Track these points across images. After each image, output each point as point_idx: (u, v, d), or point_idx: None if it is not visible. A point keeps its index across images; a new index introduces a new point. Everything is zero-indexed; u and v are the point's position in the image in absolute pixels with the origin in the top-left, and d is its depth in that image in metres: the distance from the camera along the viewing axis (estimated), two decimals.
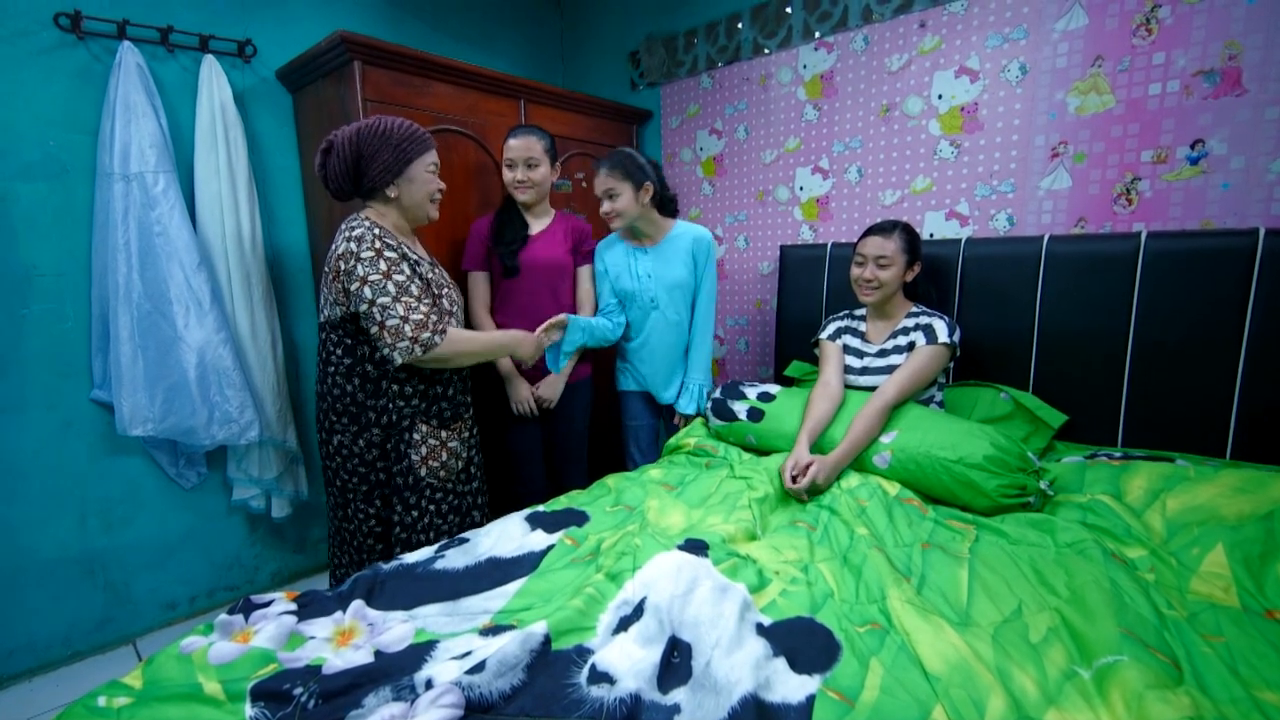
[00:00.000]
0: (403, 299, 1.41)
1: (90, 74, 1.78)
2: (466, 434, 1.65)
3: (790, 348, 2.26)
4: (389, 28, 2.39)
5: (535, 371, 1.95)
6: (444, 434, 1.58)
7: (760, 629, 0.97)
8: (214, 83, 1.92)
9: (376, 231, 1.44)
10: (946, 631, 0.95)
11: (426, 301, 1.45)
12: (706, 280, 2.01)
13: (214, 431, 1.88)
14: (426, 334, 1.41)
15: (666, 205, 2.04)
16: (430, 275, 1.55)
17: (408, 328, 1.40)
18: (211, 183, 1.93)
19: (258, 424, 1.96)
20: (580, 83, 3.01)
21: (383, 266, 1.40)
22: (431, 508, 1.58)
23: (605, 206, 1.88)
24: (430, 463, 1.55)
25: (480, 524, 1.75)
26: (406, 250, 1.49)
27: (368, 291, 1.39)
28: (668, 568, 1.04)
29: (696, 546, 1.16)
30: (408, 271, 1.44)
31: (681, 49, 2.58)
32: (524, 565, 1.19)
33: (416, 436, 1.53)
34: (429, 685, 0.82)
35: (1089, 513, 1.29)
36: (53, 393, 1.80)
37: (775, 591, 1.08)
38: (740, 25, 2.39)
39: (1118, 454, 1.52)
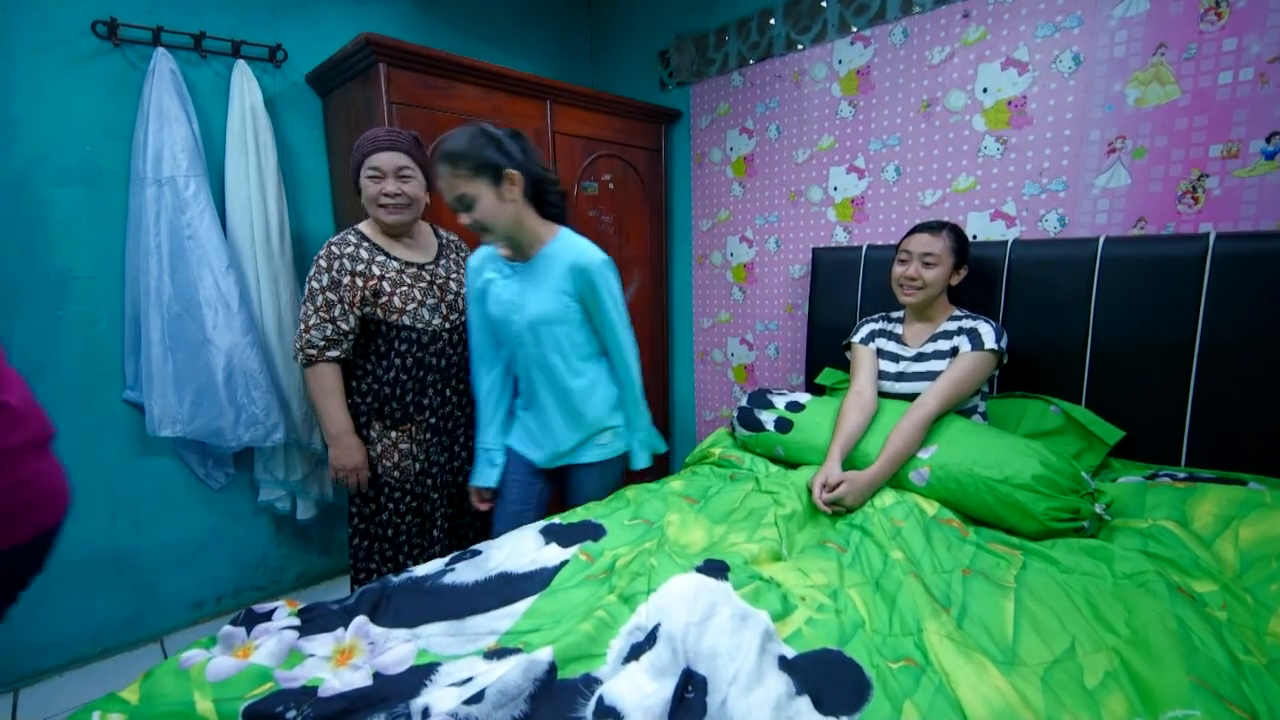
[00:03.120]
0: (305, 304, 1.54)
1: (126, 80, 1.81)
2: (422, 437, 1.66)
3: (822, 354, 2.17)
4: (418, 30, 2.38)
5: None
6: (394, 434, 1.63)
7: (783, 662, 0.90)
8: (245, 87, 1.93)
9: (340, 237, 1.57)
10: (990, 671, 0.87)
11: (322, 317, 1.51)
12: (607, 317, 1.45)
13: (240, 433, 1.89)
14: (296, 346, 1.54)
15: (548, 203, 1.44)
16: (387, 276, 1.55)
17: (296, 331, 1.55)
18: (241, 186, 1.94)
19: (283, 426, 1.97)
20: (610, 83, 2.96)
21: (312, 270, 1.54)
22: (390, 505, 1.65)
23: (464, 220, 1.35)
24: (384, 461, 1.62)
25: (446, 527, 1.76)
26: (359, 256, 1.54)
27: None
28: (684, 591, 0.98)
29: (716, 568, 1.09)
30: (325, 282, 1.52)
31: (712, 47, 2.52)
32: (536, 582, 1.14)
33: (372, 434, 1.62)
34: (425, 714, 0.77)
35: (1151, 540, 1.18)
36: (87, 394, 1.84)
37: (800, 619, 1.01)
38: (773, 21, 2.31)
39: (1182, 474, 1.39)
